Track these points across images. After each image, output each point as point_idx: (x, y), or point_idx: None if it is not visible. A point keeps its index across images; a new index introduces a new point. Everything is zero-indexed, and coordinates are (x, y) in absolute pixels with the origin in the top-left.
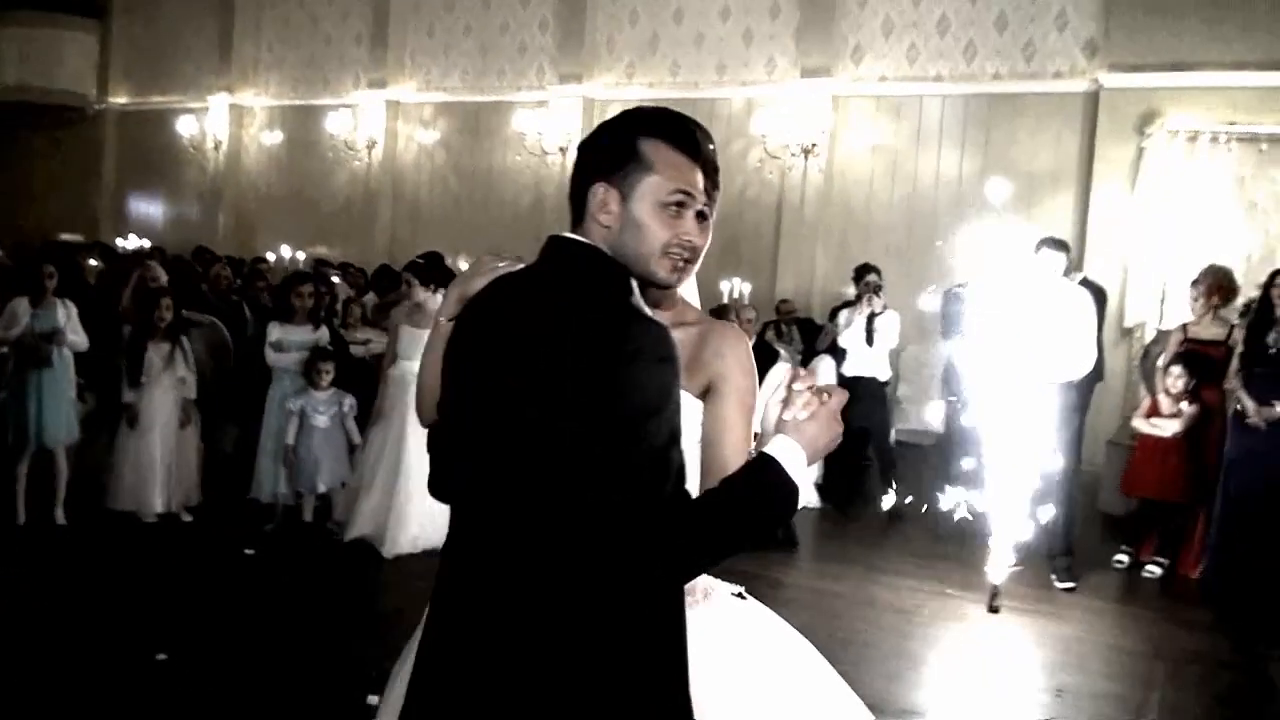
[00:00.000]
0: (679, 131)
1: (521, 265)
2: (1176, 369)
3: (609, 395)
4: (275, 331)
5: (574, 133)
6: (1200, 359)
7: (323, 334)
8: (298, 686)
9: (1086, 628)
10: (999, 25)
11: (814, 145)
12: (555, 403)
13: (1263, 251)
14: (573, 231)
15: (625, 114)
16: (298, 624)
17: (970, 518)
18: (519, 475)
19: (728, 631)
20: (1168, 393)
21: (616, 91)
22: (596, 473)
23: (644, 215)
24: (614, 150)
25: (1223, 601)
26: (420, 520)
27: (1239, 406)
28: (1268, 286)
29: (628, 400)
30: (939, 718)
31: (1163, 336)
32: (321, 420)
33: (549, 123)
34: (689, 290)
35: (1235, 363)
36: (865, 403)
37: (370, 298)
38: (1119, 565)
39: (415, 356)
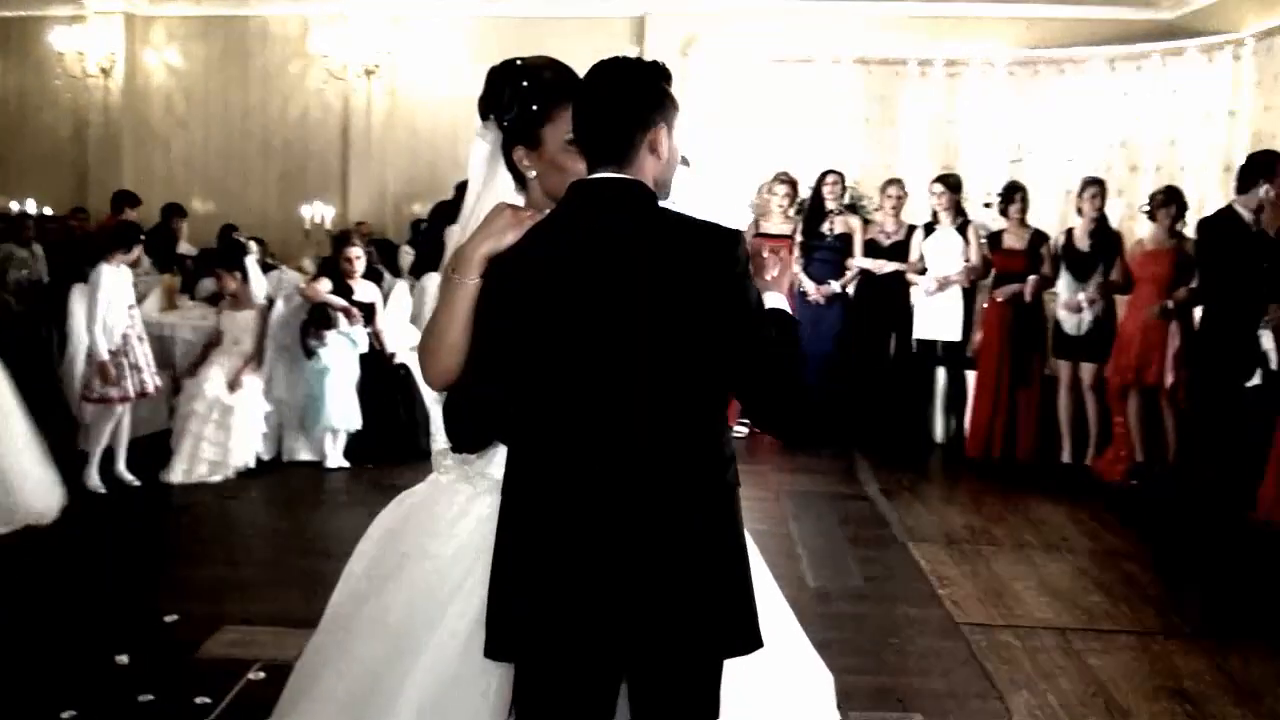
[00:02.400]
0: (670, 75)
1: (543, 214)
2: None
3: (744, 299)
4: None
5: (118, 52)
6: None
7: None
8: (37, 660)
9: None
10: None
11: (377, 65)
12: (718, 303)
13: (805, 158)
14: (619, 171)
15: (639, 62)
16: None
17: None
18: (675, 380)
19: None
20: None
21: (161, 8)
22: (751, 349)
23: (676, 146)
24: (660, 95)
25: (803, 448)
26: (28, 487)
27: (802, 288)
28: (818, 185)
29: (754, 299)
30: None
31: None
32: None
33: (89, 42)
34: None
35: (796, 251)
36: None
37: None
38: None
39: None
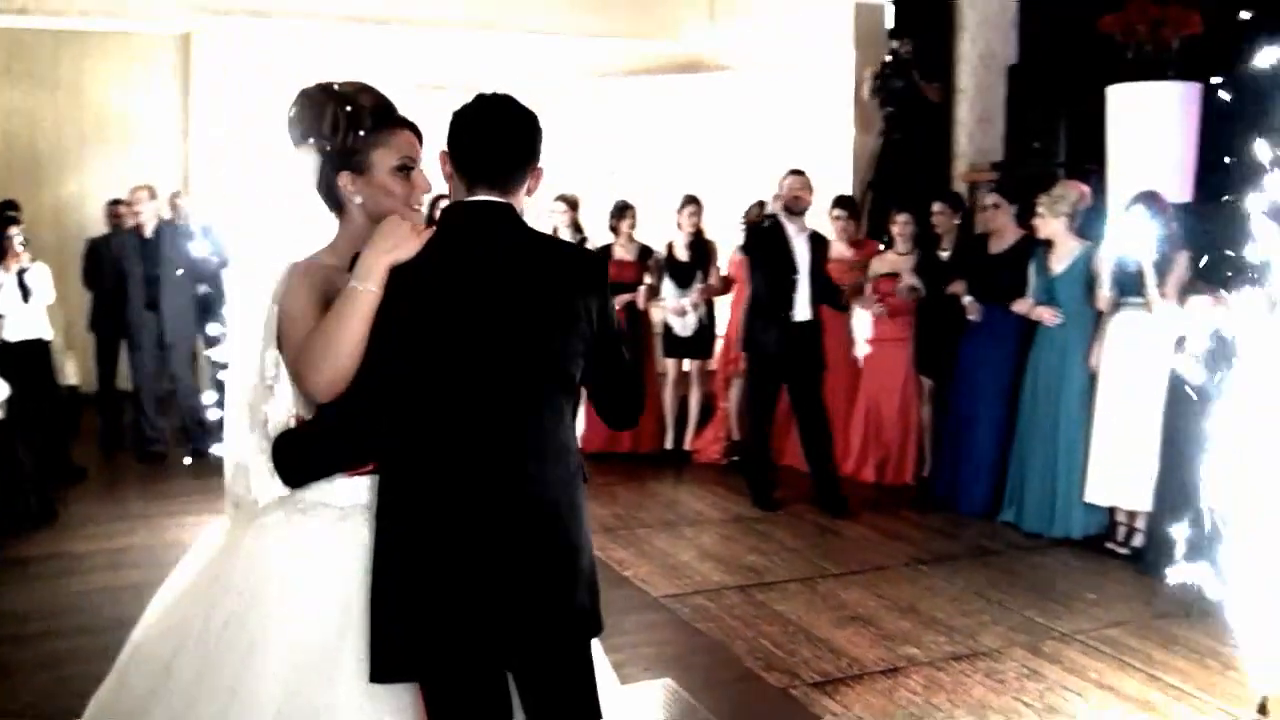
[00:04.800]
0: None
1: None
2: None
3: (612, 313)
4: None
5: None
6: None
7: None
8: None
9: None
10: None
11: None
12: (588, 316)
13: None
14: (502, 198)
15: (526, 107)
16: None
17: None
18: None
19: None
20: None
21: None
22: (614, 354)
23: None
24: (542, 140)
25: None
26: None
27: None
28: (430, 209)
29: (614, 313)
30: None
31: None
32: None
33: None
34: None
35: None
36: (33, 365)
37: None
38: None
39: None
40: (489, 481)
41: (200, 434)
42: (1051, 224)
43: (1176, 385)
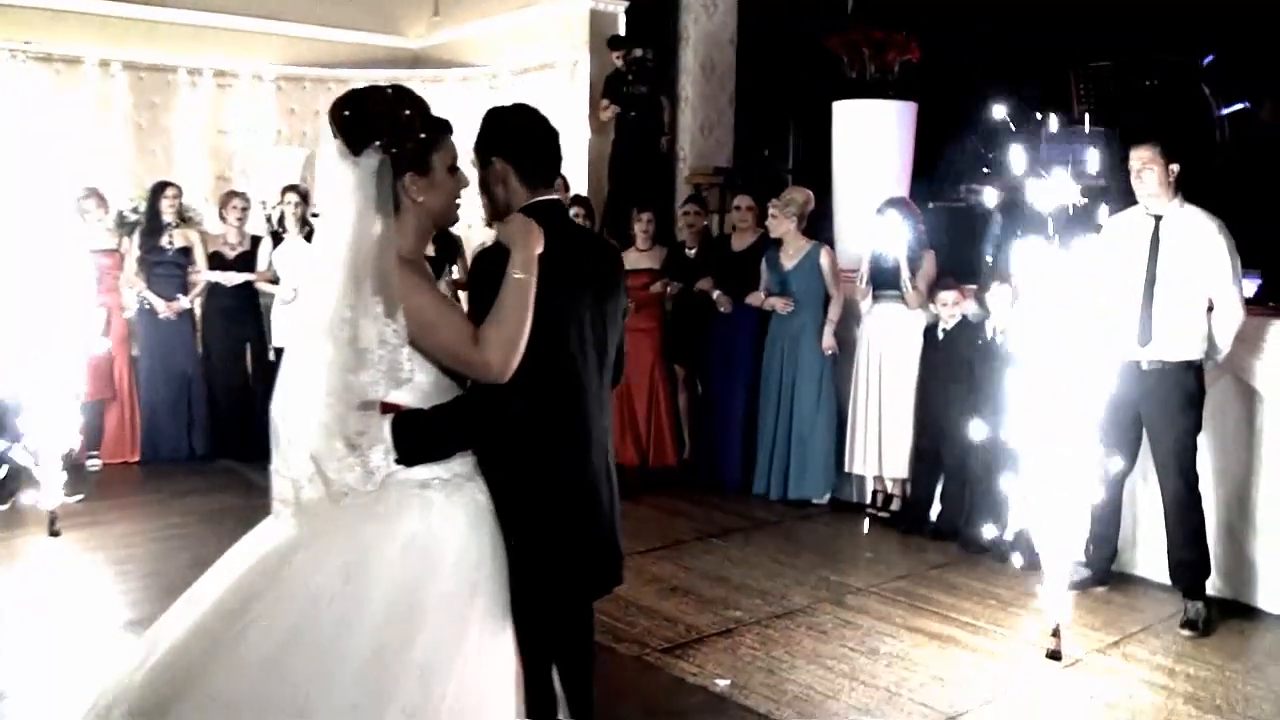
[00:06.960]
0: None
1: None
2: None
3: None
4: None
5: None
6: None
7: None
8: None
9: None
10: None
11: None
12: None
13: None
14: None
15: None
16: None
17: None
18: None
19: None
20: None
21: None
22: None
23: None
24: None
25: None
26: None
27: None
28: (155, 198)
29: None
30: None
31: None
32: None
33: None
34: None
35: (132, 265)
36: None
37: None
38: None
39: None
40: (594, 434)
41: None
42: (784, 224)
43: (927, 366)
